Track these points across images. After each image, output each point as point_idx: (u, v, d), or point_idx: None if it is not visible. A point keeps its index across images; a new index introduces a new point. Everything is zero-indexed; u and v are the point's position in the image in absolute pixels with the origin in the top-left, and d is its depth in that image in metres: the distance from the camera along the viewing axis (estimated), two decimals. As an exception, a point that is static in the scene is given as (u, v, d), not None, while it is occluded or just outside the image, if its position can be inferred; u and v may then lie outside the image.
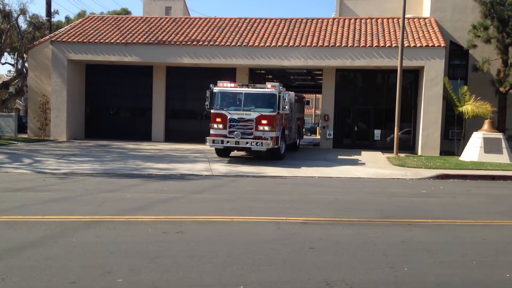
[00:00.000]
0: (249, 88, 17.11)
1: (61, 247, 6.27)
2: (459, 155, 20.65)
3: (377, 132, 24.56)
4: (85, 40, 24.35)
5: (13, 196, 9.85)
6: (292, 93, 20.28)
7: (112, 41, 24.18)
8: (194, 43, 23.83)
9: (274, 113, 16.51)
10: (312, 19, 25.89)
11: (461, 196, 12.06)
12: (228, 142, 16.47)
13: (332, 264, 5.91)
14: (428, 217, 8.98)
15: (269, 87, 16.82)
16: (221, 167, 15.60)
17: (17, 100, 38.17)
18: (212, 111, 17.03)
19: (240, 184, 12.64)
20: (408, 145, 23.83)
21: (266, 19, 26.26)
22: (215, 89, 17.22)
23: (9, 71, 45.32)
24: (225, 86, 17.11)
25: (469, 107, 21.45)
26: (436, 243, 7.09)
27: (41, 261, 5.66)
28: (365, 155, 20.54)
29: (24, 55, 29.08)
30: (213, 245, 6.62)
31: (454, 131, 22.98)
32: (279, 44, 23.18)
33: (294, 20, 25.97)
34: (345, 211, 9.37)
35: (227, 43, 23.61)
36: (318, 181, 13.90)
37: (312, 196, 11.30)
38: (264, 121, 16.34)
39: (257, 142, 16.18)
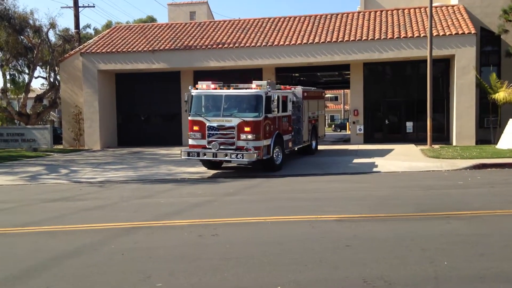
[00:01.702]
0: (230, 89, 14.44)
1: (101, 255, 6.42)
2: (496, 144, 20.05)
3: (409, 125, 24.09)
4: (113, 50, 24.86)
5: (53, 206, 10.15)
6: (298, 89, 17.47)
7: (139, 49, 24.60)
8: (220, 46, 23.99)
9: (260, 118, 13.75)
10: (337, 14, 25.65)
11: (499, 185, 11.71)
12: (205, 155, 13.95)
13: (370, 261, 5.84)
14: (466, 208, 8.76)
15: (254, 87, 14.11)
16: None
17: (51, 112, 39.29)
18: (189, 117, 14.61)
19: (273, 184, 12.65)
20: (442, 136, 23.29)
21: (290, 17, 26.17)
22: (193, 92, 14.69)
23: (42, 84, 46.68)
24: (204, 87, 14.63)
25: (501, 94, 20.81)
26: (476, 235, 6.91)
27: (83, 269, 5.82)
28: (398, 148, 20.20)
29: (56, 68, 29.91)
30: (248, 246, 6.65)
31: (490, 119, 22.32)
32: (304, 41, 23.06)
33: (318, 16, 25.80)
34: (379, 206, 9.24)
35: (252, 44, 23.67)
36: (350, 177, 13.76)
37: (344, 192, 11.20)
38: (247, 129, 13.68)
39: (237, 154, 13.59)
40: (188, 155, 14.18)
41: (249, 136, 13.64)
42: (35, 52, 28.45)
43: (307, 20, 25.41)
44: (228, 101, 14.19)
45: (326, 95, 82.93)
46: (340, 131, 52.34)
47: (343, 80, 31.00)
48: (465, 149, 18.70)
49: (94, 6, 34.24)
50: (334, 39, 22.75)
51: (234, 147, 13.80)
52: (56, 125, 40.61)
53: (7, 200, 11.07)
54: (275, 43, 23.41)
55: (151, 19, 46.86)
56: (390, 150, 19.61)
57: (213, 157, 13.94)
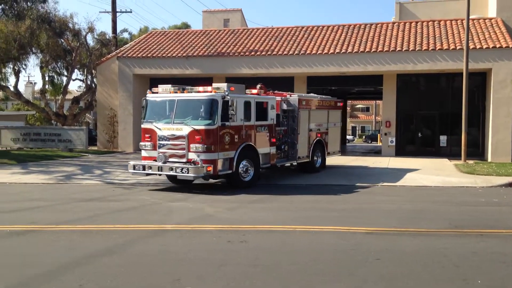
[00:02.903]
0: (184, 93, 12.66)
1: (132, 255, 6.54)
2: (534, 161, 19.44)
3: (443, 138, 23.62)
4: (148, 55, 25.37)
5: (86, 206, 10.39)
6: (293, 97, 15.35)
7: (174, 55, 25.02)
8: (252, 53, 24.16)
9: (213, 127, 11.89)
10: (371, 24, 25.49)
11: (537, 204, 11.34)
12: (150, 168, 12.35)
13: (400, 276, 5.75)
14: (501, 226, 8.52)
15: (209, 90, 12.30)
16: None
17: (87, 114, 40.27)
18: (142, 125, 13.14)
19: (301, 193, 12.61)
20: (477, 151, 22.73)
21: (323, 26, 26.16)
22: (148, 97, 13.14)
23: (79, 86, 47.92)
24: (160, 91, 13.00)
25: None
26: (511, 254, 6.71)
27: (114, 268, 5.94)
28: (431, 162, 19.83)
29: (93, 71, 30.70)
30: (276, 254, 6.65)
31: (528, 135, 21.67)
32: (337, 51, 22.99)
33: (352, 26, 25.69)
34: (410, 220, 9.09)
35: (285, 52, 23.74)
36: (380, 189, 13.59)
37: (374, 205, 11.06)
38: (197, 138, 11.94)
39: (182, 169, 11.78)
40: (134, 169, 12.63)
41: (199, 147, 11.85)
42: (74, 55, 29.29)
43: (341, 30, 25.33)
44: (182, 107, 12.41)
45: (357, 105, 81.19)
46: (371, 142, 51.74)
47: (375, 91, 30.70)
48: (501, 166, 18.20)
49: (131, 12, 35.17)
50: (367, 49, 22.59)
51: (184, 160, 12.05)
52: (91, 126, 41.60)
53: (43, 198, 11.40)
54: (308, 51, 23.42)
55: (186, 26, 47.61)
56: (422, 164, 19.26)
57: (158, 171, 12.26)
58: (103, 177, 15.13)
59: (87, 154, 22.76)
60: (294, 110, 15.17)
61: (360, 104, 75.80)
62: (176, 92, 12.70)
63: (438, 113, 23.89)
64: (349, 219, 9.15)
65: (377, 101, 64.05)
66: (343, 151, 31.46)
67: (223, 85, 12.44)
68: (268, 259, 6.42)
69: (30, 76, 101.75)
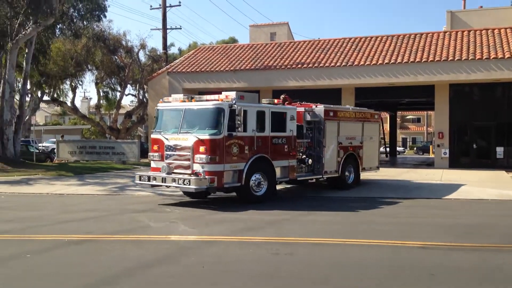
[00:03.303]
0: (192, 101, 12.24)
1: (182, 266, 6.64)
2: None
3: (500, 150, 22.63)
4: (197, 70, 25.96)
5: (138, 216, 10.66)
6: (319, 108, 14.44)
7: (221, 69, 25.48)
8: (299, 66, 24.20)
9: (218, 136, 11.36)
10: (421, 34, 24.96)
11: None
12: (155, 179, 12.01)
13: (456, 293, 5.53)
14: None
15: (216, 99, 11.84)
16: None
17: (139, 127, 41.59)
18: (151, 135, 13.06)
19: (354, 205, 12.41)
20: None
21: (371, 37, 25.87)
22: (159, 106, 12.97)
23: (132, 101, 49.59)
24: (170, 101, 12.74)
25: None
26: None
27: (165, 279, 6.05)
28: (487, 175, 19.02)
29: (144, 86, 31.76)
30: (325, 268, 6.56)
31: None
32: (386, 61, 22.64)
33: (401, 36, 25.25)
34: (466, 235, 8.74)
35: (332, 64, 23.62)
36: (434, 203, 13.15)
37: (428, 219, 10.71)
38: (202, 149, 11.44)
39: (184, 180, 11.29)
40: (140, 179, 12.38)
41: (203, 158, 11.30)
42: (127, 71, 30.43)
43: (389, 40, 24.94)
44: (189, 116, 12.02)
45: (408, 116, 79.29)
46: (422, 154, 50.26)
47: (427, 101, 29.90)
48: None
49: (180, 28, 36.15)
50: (418, 59, 22.11)
51: (190, 171, 11.52)
52: (143, 140, 42.89)
53: (98, 209, 11.81)
54: (355, 63, 23.19)
55: (233, 40, 48.39)
56: (478, 176, 18.50)
57: (162, 182, 11.88)
58: (155, 189, 15.49)
59: (139, 166, 23.42)
60: (320, 122, 14.30)
61: (410, 115, 73.97)
62: (185, 101, 12.28)
63: (494, 124, 22.94)
64: (402, 233, 8.90)
65: (429, 112, 62.28)
66: (394, 163, 30.79)
67: (232, 94, 11.99)
68: (316, 272, 6.35)
69: (86, 91, 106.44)
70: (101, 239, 8.27)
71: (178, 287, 5.75)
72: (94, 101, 47.91)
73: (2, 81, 23.22)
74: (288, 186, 15.75)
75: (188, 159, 11.58)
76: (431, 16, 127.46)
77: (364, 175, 16.82)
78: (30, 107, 29.81)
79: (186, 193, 13.25)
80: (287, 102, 13.94)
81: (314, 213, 11.28)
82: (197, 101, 12.19)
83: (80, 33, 27.79)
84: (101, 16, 26.61)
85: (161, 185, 12.35)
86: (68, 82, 31.50)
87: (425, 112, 65.18)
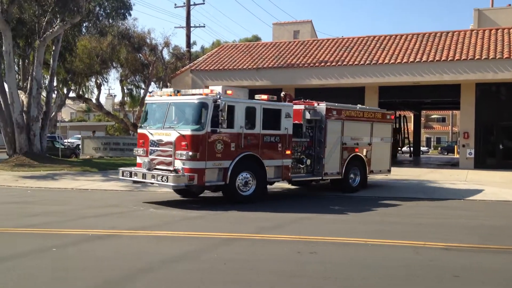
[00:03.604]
0: (178, 95, 11.83)
1: (204, 262, 6.69)
2: None
3: (528, 151, 22.10)
4: (220, 68, 26.07)
5: (161, 213, 10.77)
6: (321, 106, 13.77)
7: (244, 67, 25.52)
8: (322, 64, 24.07)
9: (200, 132, 10.93)
10: (447, 32, 24.53)
11: None
12: (136, 175, 11.73)
13: (481, 295, 5.43)
14: None
15: (200, 93, 11.43)
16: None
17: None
18: (138, 130, 12.81)
19: (375, 206, 12.30)
20: None
21: (396, 36, 25.55)
22: (147, 100, 12.78)
23: (155, 98, 50.05)
24: (159, 95, 12.40)
25: None
26: None
27: (187, 274, 6.10)
28: (513, 176, 18.59)
29: (168, 84, 32.02)
30: (347, 267, 6.52)
31: None
32: (411, 60, 22.34)
33: (427, 34, 24.86)
34: (491, 237, 8.57)
35: (355, 62, 23.42)
36: (458, 204, 12.93)
37: (452, 220, 10.53)
38: (183, 144, 11.03)
39: (162, 176, 10.94)
40: (122, 175, 12.14)
41: (183, 155, 10.93)
42: (151, 68, 30.76)
43: (415, 38, 24.59)
44: (173, 111, 11.77)
45: (432, 116, 78.07)
46: (447, 154, 49.49)
47: (452, 101, 29.39)
48: None
49: (204, 26, 36.25)
50: (443, 58, 21.75)
51: (171, 167, 11.16)
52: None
53: (120, 204, 11.97)
54: (380, 61, 22.94)
55: (256, 38, 48.41)
56: (504, 177, 18.10)
57: (142, 178, 11.55)
58: (176, 186, 15.61)
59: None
60: (321, 121, 13.63)
61: (435, 115, 72.82)
62: (171, 95, 11.84)
63: (522, 124, 22.41)
64: (425, 234, 8.78)
65: (454, 111, 61.22)
66: (417, 163, 30.37)
67: (218, 88, 11.53)
68: (339, 272, 6.32)
69: (111, 89, 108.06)
70: (125, 234, 8.38)
71: (199, 283, 5.78)
72: (118, 98, 48.56)
73: (29, 78, 23.76)
74: (292, 187, 15.36)
75: (170, 155, 11.22)
76: (458, 15, 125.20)
77: (385, 175, 16.64)
78: (56, 103, 30.42)
79: (176, 191, 12.93)
80: (288, 100, 13.59)
81: (338, 211, 11.21)
82: (182, 95, 11.78)
83: (106, 31, 28.21)
84: (126, 14, 26.96)
85: (142, 182, 11.95)
86: (93, 80, 32.03)
87: (450, 112, 64.09)
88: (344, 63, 23.62)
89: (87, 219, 9.76)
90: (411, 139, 36.63)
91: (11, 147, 23.16)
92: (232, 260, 6.78)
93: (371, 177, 16.27)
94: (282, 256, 7.09)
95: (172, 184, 10.91)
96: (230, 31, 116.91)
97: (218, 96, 11.13)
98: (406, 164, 28.51)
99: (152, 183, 11.64)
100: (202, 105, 11.07)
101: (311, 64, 24.26)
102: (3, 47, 21.81)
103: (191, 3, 32.56)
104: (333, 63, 23.85)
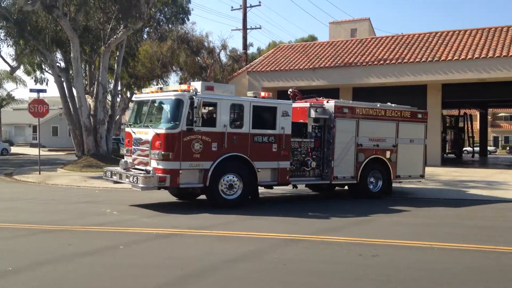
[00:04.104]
0: (158, 92, 11.34)
1: (264, 262, 6.73)
2: None
3: None
4: (276, 69, 26.14)
5: (220, 212, 10.92)
6: (330, 103, 12.75)
7: (300, 67, 25.44)
8: (381, 62, 23.54)
9: (174, 131, 10.31)
10: (515, 26, 23.26)
11: None
12: (115, 175, 11.35)
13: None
14: None
15: (175, 89, 10.82)
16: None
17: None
18: (125, 129, 12.35)
19: (436, 206, 11.87)
20: None
21: (459, 31, 24.56)
22: (134, 98, 12.37)
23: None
24: (147, 92, 11.89)
25: None
26: None
27: (249, 274, 6.16)
28: None
29: (225, 86, 32.52)
30: (412, 271, 6.34)
31: None
32: (476, 56, 21.38)
33: (492, 29, 23.71)
34: None
35: (417, 60, 22.73)
36: (530, 207, 12.21)
37: (524, 224, 9.98)
38: (157, 143, 10.49)
39: (133, 177, 10.48)
40: (105, 175, 11.82)
41: (156, 154, 10.38)
42: (208, 71, 31.35)
43: (479, 34, 23.51)
44: (153, 108, 11.35)
45: (499, 114, 74.23)
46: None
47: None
48: None
49: (260, 28, 36.68)
50: (511, 53, 20.60)
51: (149, 167, 10.64)
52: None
53: (182, 204, 12.27)
54: (442, 58, 22.13)
55: (312, 38, 48.09)
56: None
57: (119, 178, 11.16)
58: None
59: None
60: (330, 119, 12.63)
61: (503, 113, 69.13)
62: (154, 92, 11.40)
63: None
64: (494, 237, 8.37)
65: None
66: (484, 163, 28.97)
67: (198, 84, 10.88)
68: (404, 276, 6.15)
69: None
70: (187, 233, 8.59)
71: (261, 283, 5.82)
72: (177, 101, 49.81)
73: (96, 82, 24.92)
74: (312, 192, 14.58)
75: (147, 155, 10.73)
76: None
77: (448, 176, 16.00)
78: (120, 107, 31.68)
79: (172, 194, 12.49)
80: (298, 98, 12.93)
81: (397, 215, 10.92)
82: (163, 91, 11.25)
83: (166, 35, 29.07)
84: (185, 19, 27.69)
85: (120, 182, 11.39)
86: (154, 83, 33.09)
87: (520, 109, 60.56)
88: (405, 60, 22.98)
89: (151, 218, 10.04)
90: (476, 138, 35.00)
91: (79, 149, 24.44)
92: (292, 261, 6.78)
93: (431, 176, 15.63)
94: (342, 258, 7.01)
95: (141, 185, 10.28)
96: (286, 31, 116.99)
97: (194, 92, 10.47)
98: (471, 164, 27.29)
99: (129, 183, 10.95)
100: (177, 102, 10.46)
101: (369, 63, 23.80)
102: (72, 54, 23.02)
103: (247, 5, 32.91)
104: (393, 61, 23.27)
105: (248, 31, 34.25)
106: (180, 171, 10.35)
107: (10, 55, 29.57)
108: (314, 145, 12.57)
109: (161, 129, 10.48)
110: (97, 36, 25.43)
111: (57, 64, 26.27)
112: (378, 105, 13.69)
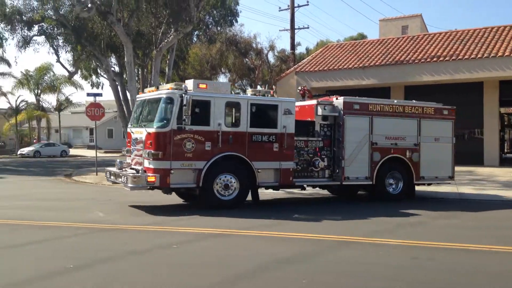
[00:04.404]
0: (154, 91, 11.29)
1: (317, 264, 6.67)
2: None
3: None
4: (325, 68, 25.91)
5: (265, 213, 10.95)
6: (339, 100, 12.19)
7: (349, 66, 25.09)
8: (434, 59, 22.84)
9: (164, 129, 10.18)
10: None
11: None
12: (112, 175, 11.34)
13: None
14: None
15: (167, 88, 10.66)
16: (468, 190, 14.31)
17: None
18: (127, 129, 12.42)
19: (492, 209, 11.37)
20: None
21: (518, 25, 23.40)
22: (136, 98, 12.18)
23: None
24: (146, 92, 11.93)
25: None
26: None
27: (301, 275, 6.13)
28: None
29: (273, 87, 32.60)
30: (474, 276, 6.10)
31: None
32: (537, 50, 20.29)
33: (556, 20, 22.38)
34: None
35: (472, 56, 21.89)
36: None
37: None
38: (148, 143, 10.38)
39: (123, 177, 10.53)
40: (106, 175, 11.93)
41: (147, 154, 10.29)
42: (257, 72, 31.59)
43: (541, 26, 22.31)
44: (148, 107, 11.22)
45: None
46: None
47: None
48: None
49: (308, 27, 36.44)
50: None
51: (142, 167, 10.51)
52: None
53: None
54: (499, 54, 21.17)
55: (362, 36, 47.29)
56: None
57: (115, 178, 11.14)
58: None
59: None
60: (338, 118, 12.05)
61: None
62: (151, 91, 11.43)
63: None
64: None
65: None
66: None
67: (190, 82, 10.67)
68: (464, 281, 5.94)
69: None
70: (235, 233, 8.65)
71: (315, 285, 5.79)
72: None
73: (148, 86, 25.64)
74: (327, 193, 14.14)
75: (141, 155, 10.65)
76: None
77: (507, 176, 15.28)
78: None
79: (178, 194, 12.14)
80: (308, 96, 12.43)
81: (452, 217, 10.54)
82: (158, 90, 11.14)
83: (215, 38, 29.53)
84: (233, 21, 27.97)
85: (116, 183, 11.37)
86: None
87: None
88: (459, 57, 22.17)
89: (200, 219, 10.22)
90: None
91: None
92: (346, 263, 6.69)
93: (489, 177, 14.98)
94: (396, 261, 6.85)
95: (130, 185, 10.23)
96: (335, 30, 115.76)
97: (184, 91, 10.24)
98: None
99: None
100: (168, 100, 10.33)
101: (422, 60, 23.14)
102: (125, 58, 23.80)
103: (295, 5, 32.79)
104: (447, 58, 22.51)
105: (296, 31, 34.12)
106: (172, 171, 10.17)
107: (68, 60, 30.86)
108: (323, 144, 12.05)
109: (152, 128, 10.40)
110: (149, 40, 26.17)
111: (112, 68, 27.26)
112: (395, 101, 13.15)
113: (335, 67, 25.70)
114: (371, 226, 9.53)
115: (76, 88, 50.03)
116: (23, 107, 50.90)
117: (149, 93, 11.40)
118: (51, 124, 55.03)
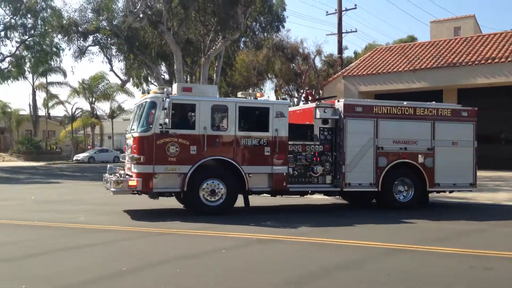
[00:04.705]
0: (143, 96, 11.54)
1: (367, 272, 6.54)
2: None
3: None
4: (373, 72, 25.49)
5: (318, 218, 10.85)
6: (339, 103, 11.77)
7: (399, 69, 24.58)
8: (489, 61, 21.97)
9: (146, 134, 10.21)
10: None
11: None
12: (105, 181, 11.31)
13: None
14: None
15: (151, 92, 10.80)
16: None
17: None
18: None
19: None
20: None
21: None
22: (134, 104, 12.45)
23: (307, 106, 50.97)
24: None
25: None
26: None
27: (350, 283, 6.04)
28: None
29: (320, 91, 32.39)
30: None
31: None
32: None
33: None
34: None
35: (530, 57, 20.86)
36: None
37: None
38: (133, 147, 10.49)
39: (108, 182, 10.70)
40: (103, 180, 11.88)
41: (131, 158, 10.43)
42: (303, 77, 31.52)
43: None
44: (137, 112, 11.17)
45: None
46: None
47: None
48: None
49: (356, 31, 35.92)
50: None
51: (130, 172, 10.62)
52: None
53: (282, 210, 12.37)
54: (562, 53, 20.07)
55: (412, 39, 46.21)
56: None
57: (106, 184, 11.17)
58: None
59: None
60: (339, 121, 11.54)
61: None
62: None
63: None
64: None
65: None
66: None
67: (175, 86, 10.77)
68: None
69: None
70: (286, 239, 8.64)
71: (364, 293, 5.68)
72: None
73: (196, 92, 26.11)
74: (333, 200, 13.54)
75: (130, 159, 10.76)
76: None
77: None
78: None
79: (178, 200, 11.86)
80: (311, 99, 12.09)
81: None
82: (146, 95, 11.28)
83: (261, 44, 29.75)
84: (280, 26, 28.08)
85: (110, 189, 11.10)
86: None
87: None
88: (516, 58, 21.21)
89: (250, 227, 10.25)
90: None
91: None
92: (398, 272, 6.52)
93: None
94: (452, 270, 6.60)
95: (112, 189, 10.32)
96: (383, 33, 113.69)
97: (166, 94, 10.11)
98: None
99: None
100: (151, 105, 10.38)
101: (476, 62, 22.33)
102: (175, 66, 24.40)
103: (343, 8, 32.50)
104: (502, 59, 21.59)
105: (343, 35, 33.76)
106: (155, 175, 10.15)
107: (120, 69, 32.02)
108: (324, 149, 11.55)
109: (136, 133, 10.48)
110: (197, 48, 26.70)
111: (162, 76, 28.01)
112: (405, 103, 12.24)
113: (384, 71, 25.24)
114: (418, 233, 9.25)
115: (128, 96, 51.76)
116: (79, 114, 53.17)
117: (140, 99, 11.58)
118: (104, 130, 57.10)
